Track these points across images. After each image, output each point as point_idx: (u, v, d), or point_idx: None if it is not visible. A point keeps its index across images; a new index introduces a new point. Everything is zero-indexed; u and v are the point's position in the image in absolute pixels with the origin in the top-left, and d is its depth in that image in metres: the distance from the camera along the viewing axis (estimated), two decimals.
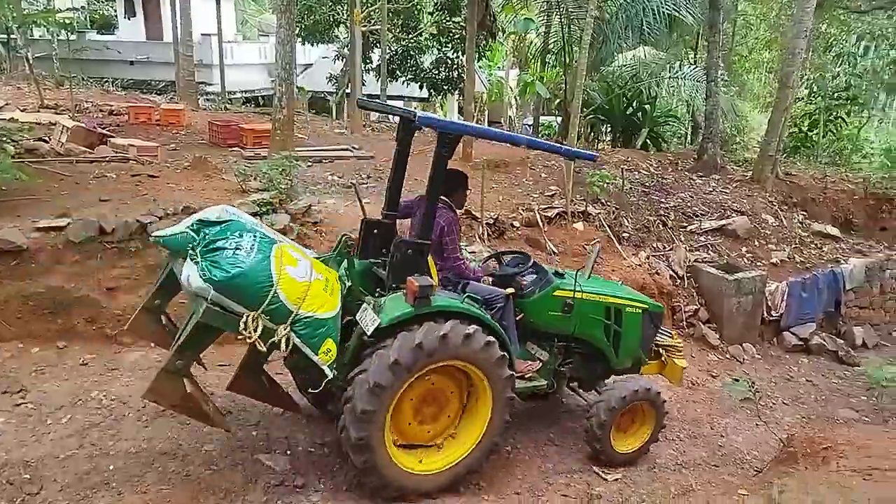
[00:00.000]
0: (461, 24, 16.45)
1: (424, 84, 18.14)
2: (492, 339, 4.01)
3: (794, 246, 10.20)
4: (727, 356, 8.41)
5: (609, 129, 16.20)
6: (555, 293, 4.70)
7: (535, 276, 4.90)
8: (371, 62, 17.80)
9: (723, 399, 6.94)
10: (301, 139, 11.24)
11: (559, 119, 15.46)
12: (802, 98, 15.88)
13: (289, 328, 3.53)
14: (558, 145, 5.04)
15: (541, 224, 8.78)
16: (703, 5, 13.40)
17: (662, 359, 5.45)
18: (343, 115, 19.09)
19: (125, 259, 5.80)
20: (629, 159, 12.21)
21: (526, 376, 4.66)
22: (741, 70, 22.38)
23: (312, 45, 19.20)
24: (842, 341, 9.12)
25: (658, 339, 5.40)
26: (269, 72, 22.03)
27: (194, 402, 3.60)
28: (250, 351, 3.93)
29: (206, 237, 3.60)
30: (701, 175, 11.96)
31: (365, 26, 15.26)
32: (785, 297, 8.93)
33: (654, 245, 9.51)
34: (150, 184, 7.20)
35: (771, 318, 8.95)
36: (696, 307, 8.81)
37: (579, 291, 4.68)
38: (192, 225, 3.73)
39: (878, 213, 11.87)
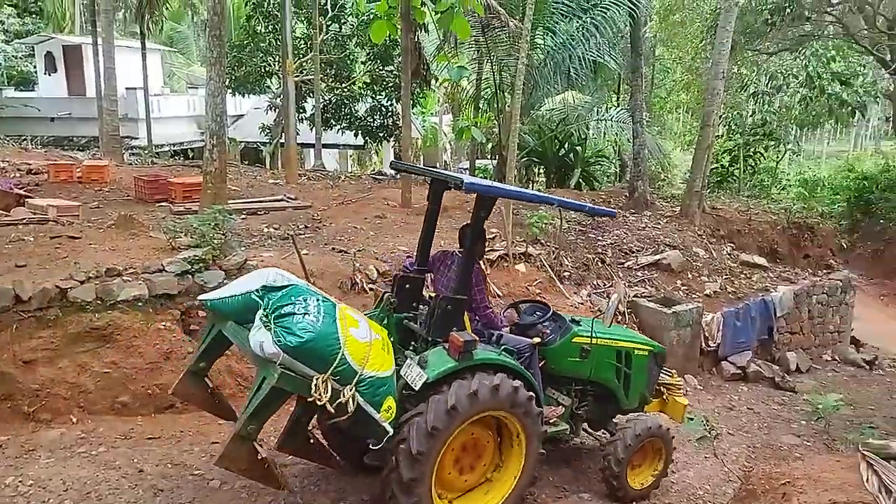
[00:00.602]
0: (394, 72, 16.68)
1: (359, 132, 18.20)
2: (532, 393, 4.28)
3: (725, 277, 10.56)
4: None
5: (543, 171, 16.61)
6: (573, 340, 4.95)
7: (554, 323, 5.11)
8: (305, 111, 17.76)
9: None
10: (234, 191, 10.96)
11: (494, 162, 15.76)
12: (722, 135, 16.79)
13: (354, 389, 3.63)
14: (583, 204, 5.41)
15: (484, 268, 8.78)
16: (625, 51, 14.11)
17: (664, 397, 5.74)
18: (277, 165, 18.85)
19: (43, 329, 5.38)
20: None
21: (550, 421, 4.88)
22: (661, 111, 23.59)
23: (243, 95, 19.04)
24: (777, 367, 9.41)
25: (660, 378, 5.71)
26: (198, 124, 21.67)
27: (266, 467, 3.69)
28: (299, 411, 4.05)
29: (272, 302, 3.67)
30: (633, 212, 12.33)
31: (297, 76, 15.24)
32: (721, 328, 9.17)
33: (595, 282, 9.65)
34: (71, 245, 6.78)
35: (709, 349, 9.15)
36: None
37: (596, 337, 4.96)
38: (257, 290, 3.80)
39: (800, 241, 12.51)
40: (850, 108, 15.53)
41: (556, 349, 4.93)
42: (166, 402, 5.55)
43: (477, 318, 4.70)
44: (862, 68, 17.92)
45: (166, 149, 21.52)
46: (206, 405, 4.51)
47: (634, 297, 9.38)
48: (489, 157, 22.03)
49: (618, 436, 5.05)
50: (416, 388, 3.92)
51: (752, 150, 17.22)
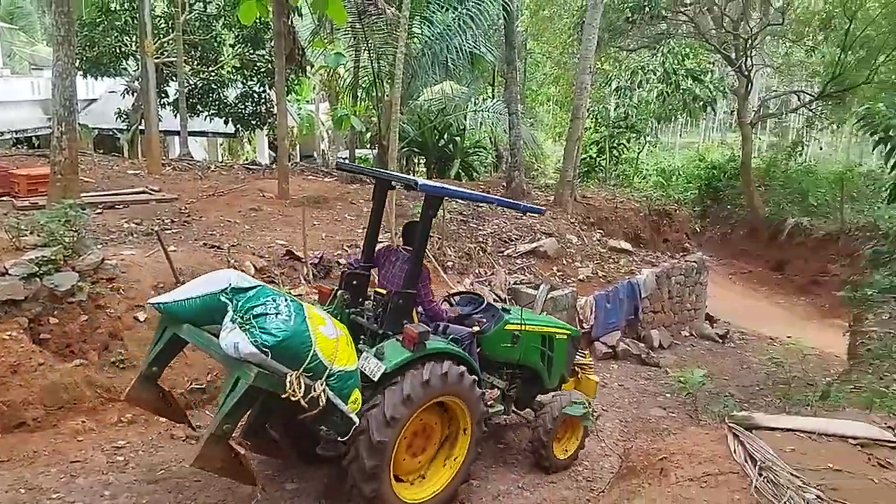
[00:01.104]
0: (266, 57, 15.92)
1: (230, 119, 17.22)
2: (475, 377, 4.67)
3: (596, 262, 11.15)
4: None
5: (423, 161, 16.65)
6: (506, 327, 5.34)
7: (487, 313, 5.44)
8: (167, 96, 16.50)
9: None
10: (88, 183, 9.98)
11: (374, 152, 15.57)
12: (589, 128, 17.69)
13: (324, 383, 3.77)
14: (518, 203, 5.83)
15: None
16: (500, 44, 14.42)
17: (578, 376, 6.31)
18: (137, 153, 17.41)
19: None
20: None
21: (489, 403, 5.14)
22: (533, 103, 24.47)
23: (96, 78, 17.35)
24: (642, 345, 10.09)
25: (575, 358, 6.26)
26: (44, 109, 19.53)
27: (240, 464, 3.83)
28: (258, 409, 4.25)
29: (242, 303, 3.77)
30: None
31: (158, 58, 14.10)
32: (593, 310, 9.65)
33: (477, 271, 9.81)
34: None
35: (584, 331, 9.61)
36: None
37: (524, 324, 5.41)
38: (224, 291, 3.87)
39: (659, 226, 13.48)
40: (701, 102, 16.96)
41: (490, 337, 5.25)
42: (15, 419, 4.95)
43: (423, 310, 4.89)
44: (711, 65, 19.62)
45: (7, 137, 19.19)
46: (159, 409, 4.54)
47: (514, 283, 9.65)
48: (368, 146, 21.76)
49: (545, 410, 5.49)
50: (376, 379, 4.13)
51: (615, 141, 18.33)
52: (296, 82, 18.11)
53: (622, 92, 17.65)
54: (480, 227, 11.00)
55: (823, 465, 3.55)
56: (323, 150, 24.02)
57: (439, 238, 9.89)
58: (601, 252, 11.49)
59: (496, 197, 5.52)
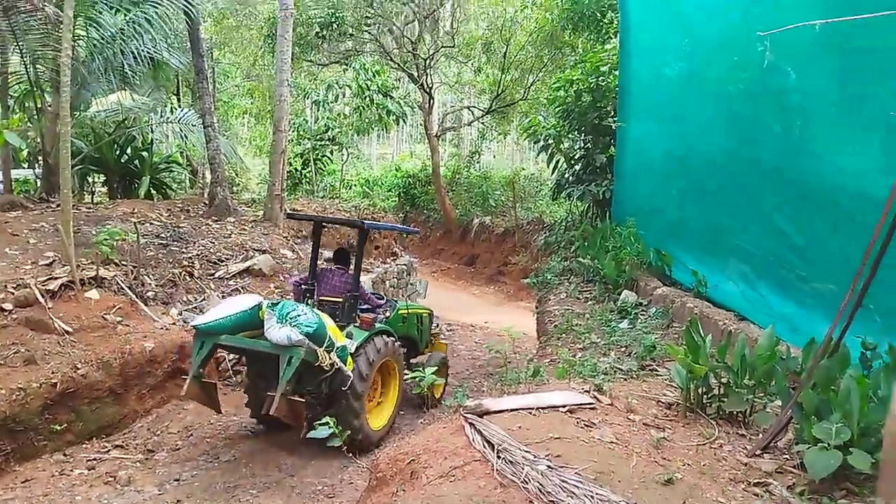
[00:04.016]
0: None
1: None
2: (399, 344, 7.33)
3: None
4: None
5: (104, 180, 14.56)
6: (399, 312, 7.90)
7: (388, 304, 7.95)
8: None
9: (287, 437, 6.95)
10: None
11: (37, 171, 13.12)
12: (292, 140, 17.47)
13: (334, 353, 5.94)
14: (400, 226, 9.37)
15: (42, 301, 7.16)
16: (185, 51, 13.30)
17: (433, 341, 9.06)
18: None
19: None
20: (136, 210, 11.16)
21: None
22: (227, 116, 23.29)
23: None
24: None
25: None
26: None
27: (302, 411, 5.90)
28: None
29: (280, 311, 5.85)
30: (216, 220, 11.82)
31: None
32: None
33: (185, 299, 8.92)
34: None
35: None
36: (233, 361, 8.62)
37: (408, 309, 8.19)
38: (257, 307, 6.11)
39: (370, 234, 13.89)
40: (394, 116, 18.02)
41: (392, 319, 7.61)
42: None
43: (364, 304, 7.24)
44: (398, 82, 21.00)
45: None
46: (206, 400, 6.43)
47: None
48: (26, 165, 18.27)
49: (427, 364, 7.42)
50: (352, 352, 6.30)
51: (319, 154, 18.45)
52: None
53: (321, 105, 17.82)
54: (184, 250, 10.01)
55: (546, 435, 3.98)
56: None
57: (134, 267, 8.72)
58: (318, 264, 11.39)
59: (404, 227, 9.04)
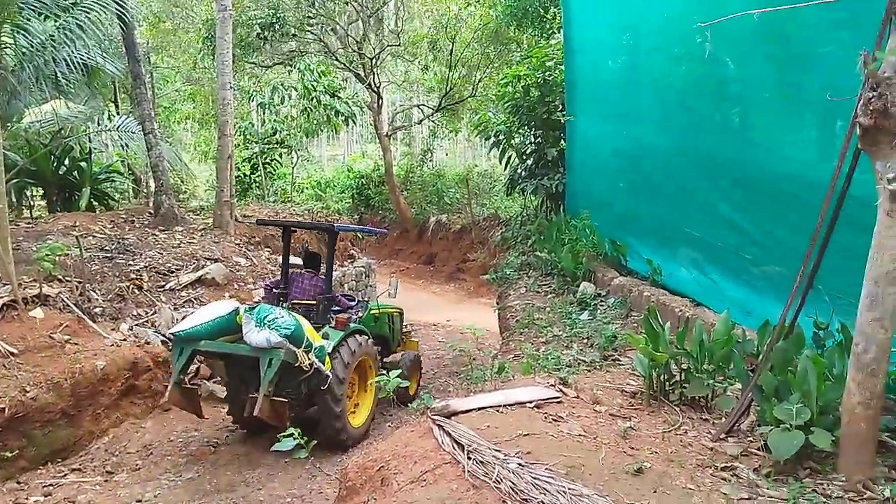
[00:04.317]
0: None
1: None
2: (373, 343, 7.47)
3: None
4: None
5: (42, 193, 13.94)
6: (371, 312, 8.06)
7: (359, 304, 8.01)
8: None
9: (251, 450, 6.80)
10: None
11: None
12: (239, 144, 17.06)
13: (312, 354, 6.12)
14: (370, 228, 10.62)
15: None
16: (119, 56, 12.83)
17: (404, 339, 9.34)
18: None
19: None
20: (77, 223, 10.72)
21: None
22: (168, 121, 22.60)
23: None
24: None
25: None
26: None
27: (285, 411, 6.07)
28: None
29: (258, 315, 6.03)
30: (163, 229, 11.46)
31: None
32: None
33: (135, 313, 8.60)
34: None
35: None
36: (196, 366, 8.40)
37: (379, 309, 8.37)
38: (245, 312, 6.20)
39: (324, 237, 13.70)
40: (343, 117, 17.80)
41: (365, 319, 7.77)
42: None
43: (337, 306, 7.38)
44: (345, 82, 20.76)
45: None
46: (188, 406, 6.64)
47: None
48: None
49: (401, 362, 8.17)
50: (328, 352, 6.44)
51: (268, 157, 18.08)
52: None
53: (266, 107, 17.45)
54: (131, 262, 9.66)
55: (515, 432, 3.99)
56: None
57: (79, 282, 8.36)
58: (273, 270, 11.17)
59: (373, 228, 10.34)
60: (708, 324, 5.50)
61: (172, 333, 6.29)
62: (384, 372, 7.77)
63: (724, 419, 4.28)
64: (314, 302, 7.26)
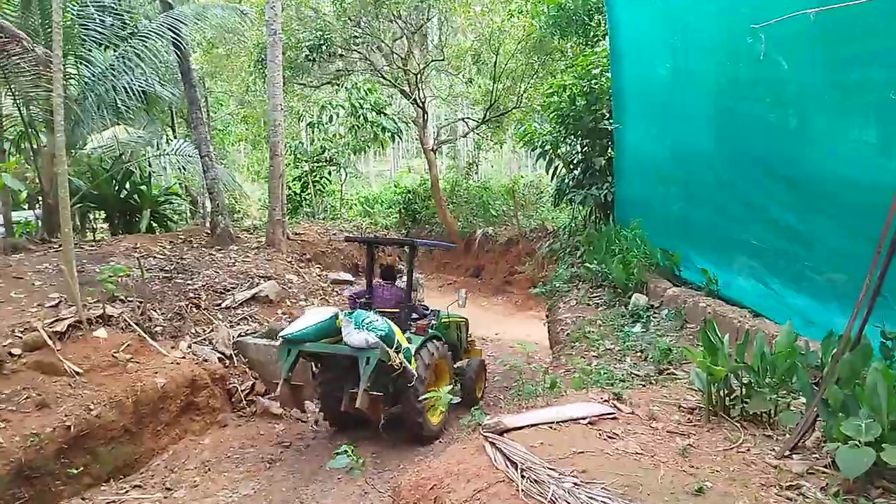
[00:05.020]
0: None
1: None
2: (448, 348, 8.25)
3: (320, 297, 10.99)
4: (293, 420, 8.42)
5: (104, 216, 14.57)
6: (443, 321, 8.63)
7: (432, 313, 8.59)
8: None
9: (305, 466, 6.87)
10: None
11: (37, 212, 13.11)
12: (289, 164, 17.47)
13: (401, 354, 6.76)
14: (441, 242, 11.65)
15: (51, 343, 7.11)
16: (176, 82, 13.34)
17: (469, 347, 9.76)
18: None
19: None
20: (138, 245, 11.15)
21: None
22: (223, 144, 23.36)
23: None
24: None
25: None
26: None
27: (380, 405, 6.91)
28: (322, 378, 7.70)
29: (356, 319, 6.75)
30: (219, 249, 11.80)
31: None
32: None
33: (194, 331, 8.86)
34: None
35: None
36: (251, 382, 8.58)
37: (449, 318, 8.88)
38: (345, 316, 6.95)
39: (373, 253, 13.84)
40: (389, 133, 18.03)
41: (438, 326, 8.34)
42: None
43: (416, 314, 8.15)
44: (391, 98, 21.03)
45: None
46: (295, 402, 8.01)
47: (239, 336, 8.96)
48: (26, 206, 18.35)
49: (468, 367, 8.95)
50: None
51: (317, 175, 18.43)
52: None
53: (315, 127, 17.82)
54: (189, 282, 9.98)
55: (569, 450, 3.90)
56: None
57: (140, 302, 8.68)
58: (323, 287, 11.37)
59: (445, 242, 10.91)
60: (769, 335, 5.27)
61: (281, 335, 6.97)
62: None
63: (788, 435, 4.08)
64: (396, 310, 7.92)
